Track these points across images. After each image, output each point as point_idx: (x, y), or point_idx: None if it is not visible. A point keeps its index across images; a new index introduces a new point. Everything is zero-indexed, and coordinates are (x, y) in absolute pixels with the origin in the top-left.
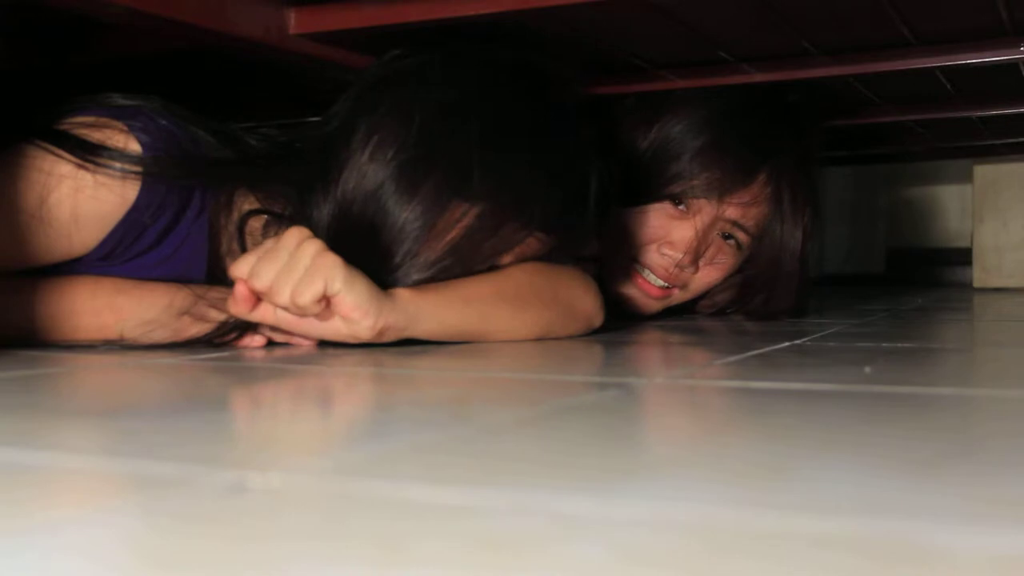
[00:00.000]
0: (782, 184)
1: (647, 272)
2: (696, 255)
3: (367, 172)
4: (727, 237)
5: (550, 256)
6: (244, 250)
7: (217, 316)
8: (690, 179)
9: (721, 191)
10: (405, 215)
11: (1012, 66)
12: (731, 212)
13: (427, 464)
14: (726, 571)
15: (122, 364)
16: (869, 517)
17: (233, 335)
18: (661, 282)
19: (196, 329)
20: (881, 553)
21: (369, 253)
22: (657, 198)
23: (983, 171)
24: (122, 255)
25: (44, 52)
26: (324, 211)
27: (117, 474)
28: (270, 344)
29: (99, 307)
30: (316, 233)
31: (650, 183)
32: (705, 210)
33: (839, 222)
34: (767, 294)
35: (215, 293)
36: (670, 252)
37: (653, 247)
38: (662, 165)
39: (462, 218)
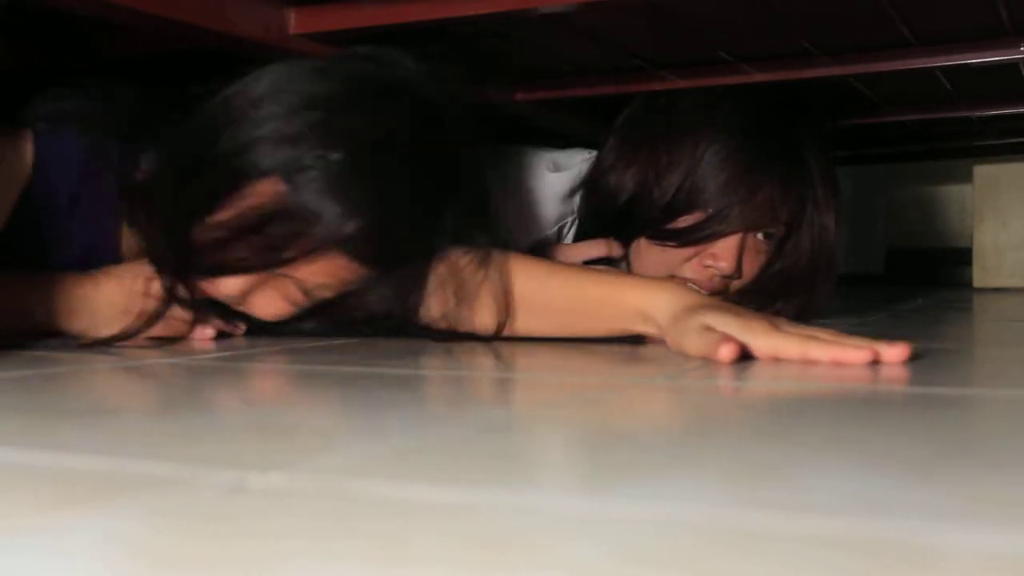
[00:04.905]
0: (812, 174)
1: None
2: (740, 264)
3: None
4: (766, 236)
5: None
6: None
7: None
8: (727, 215)
9: (760, 215)
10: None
11: (1012, 66)
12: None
13: (427, 464)
14: (726, 571)
15: (122, 364)
16: (869, 517)
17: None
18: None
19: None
20: (881, 553)
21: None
22: (696, 241)
23: (983, 171)
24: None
25: (44, 52)
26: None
27: (117, 474)
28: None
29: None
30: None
31: (682, 227)
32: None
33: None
34: (810, 291)
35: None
36: (713, 264)
37: (694, 261)
38: (693, 208)
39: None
